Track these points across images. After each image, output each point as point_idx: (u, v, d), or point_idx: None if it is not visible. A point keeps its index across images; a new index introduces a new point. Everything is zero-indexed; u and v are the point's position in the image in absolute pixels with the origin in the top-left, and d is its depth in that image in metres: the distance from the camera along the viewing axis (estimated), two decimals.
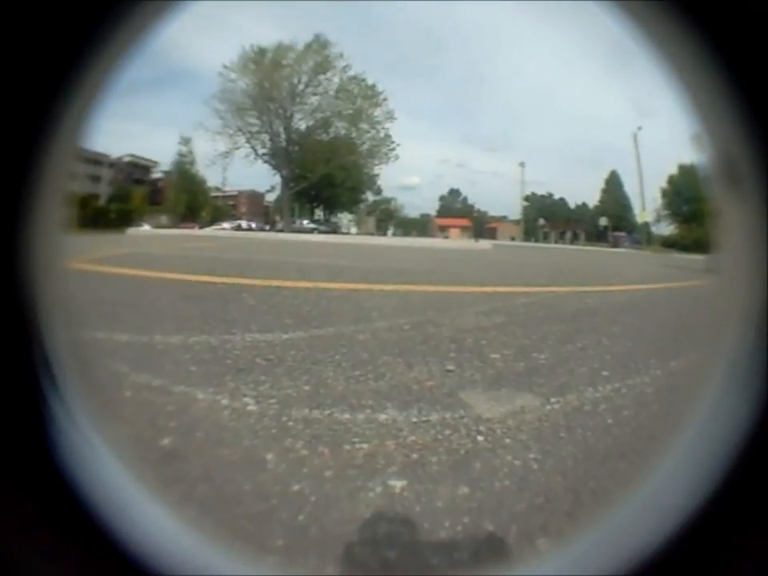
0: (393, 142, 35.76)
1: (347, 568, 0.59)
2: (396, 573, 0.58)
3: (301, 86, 33.71)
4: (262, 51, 33.16)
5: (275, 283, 3.03)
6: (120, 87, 0.24)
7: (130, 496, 0.25)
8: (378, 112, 34.67)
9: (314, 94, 34.14)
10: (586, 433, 0.97)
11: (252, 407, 1.03)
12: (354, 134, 35.33)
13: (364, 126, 34.87)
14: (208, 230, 25.04)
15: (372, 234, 35.45)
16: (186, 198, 41.63)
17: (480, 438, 0.93)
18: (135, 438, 0.88)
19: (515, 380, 1.29)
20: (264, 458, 0.82)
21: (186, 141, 42.85)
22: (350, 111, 34.26)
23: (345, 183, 40.15)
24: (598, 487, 0.77)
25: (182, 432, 0.90)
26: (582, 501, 0.73)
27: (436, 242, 16.97)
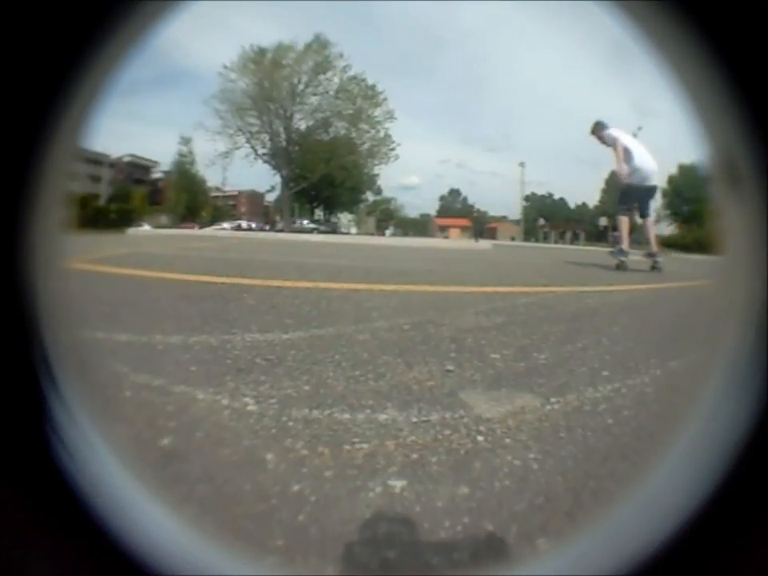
0: (393, 142, 35.82)
1: (347, 568, 0.59)
2: (396, 573, 0.58)
3: (301, 86, 33.75)
4: (262, 51, 33.20)
5: (275, 283, 3.03)
6: (120, 87, 0.25)
7: (130, 496, 0.25)
8: (378, 112, 34.72)
9: (314, 94, 34.19)
10: (586, 433, 0.97)
11: (252, 407, 1.03)
12: (353, 134, 35.36)
13: (364, 126, 34.90)
14: (208, 230, 25.02)
15: (372, 234, 35.47)
16: (186, 198, 41.65)
17: (480, 437, 0.93)
18: (135, 438, 0.88)
19: (515, 380, 1.28)
20: (264, 457, 0.82)
21: (186, 141, 42.89)
22: (350, 111, 34.28)
23: (345, 183, 40.17)
24: (598, 487, 0.77)
25: (181, 432, 0.90)
26: (582, 501, 0.73)
27: (436, 242, 16.97)
